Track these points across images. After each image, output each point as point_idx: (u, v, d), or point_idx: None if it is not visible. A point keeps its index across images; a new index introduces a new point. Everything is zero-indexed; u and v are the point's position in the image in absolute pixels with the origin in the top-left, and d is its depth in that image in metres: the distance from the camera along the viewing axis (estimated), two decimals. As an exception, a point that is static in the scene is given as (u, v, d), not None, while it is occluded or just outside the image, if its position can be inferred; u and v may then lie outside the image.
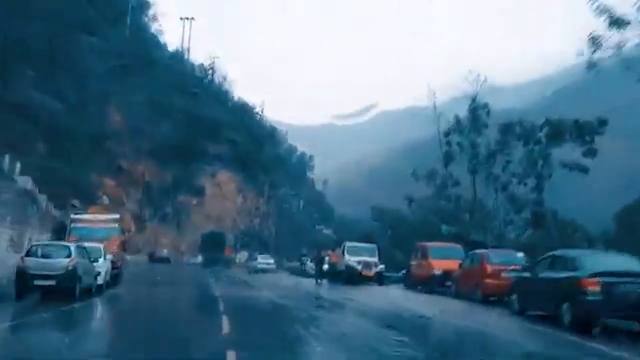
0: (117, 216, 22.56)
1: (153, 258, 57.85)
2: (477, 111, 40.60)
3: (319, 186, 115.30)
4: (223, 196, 75.22)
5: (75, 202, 55.49)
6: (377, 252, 24.82)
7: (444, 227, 28.66)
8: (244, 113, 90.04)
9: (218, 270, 41.05)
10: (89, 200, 56.85)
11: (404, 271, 23.74)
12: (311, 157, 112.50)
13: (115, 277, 20.16)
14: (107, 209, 44.48)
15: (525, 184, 39.04)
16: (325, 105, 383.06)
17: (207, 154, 73.56)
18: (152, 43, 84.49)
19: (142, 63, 76.27)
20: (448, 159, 40.81)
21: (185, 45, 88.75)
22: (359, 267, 23.39)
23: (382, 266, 23.93)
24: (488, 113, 40.16)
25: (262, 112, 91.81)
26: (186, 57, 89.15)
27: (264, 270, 42.63)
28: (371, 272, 23.32)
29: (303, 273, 39.55)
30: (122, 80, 72.26)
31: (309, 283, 26.60)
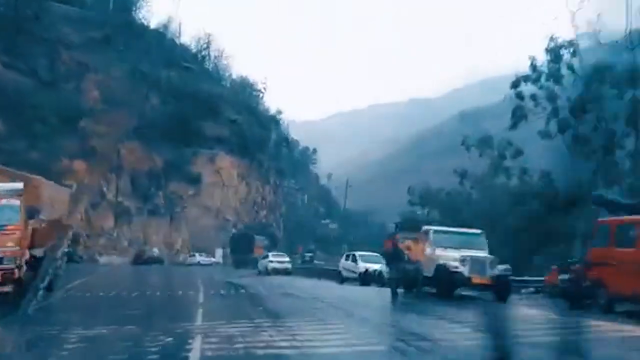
0: (18, 186, 12.68)
1: (140, 259, 48.60)
2: (558, 53, 30.67)
3: (322, 181, 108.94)
4: (223, 184, 65.71)
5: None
6: (486, 243, 15.10)
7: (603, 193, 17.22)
8: (244, 91, 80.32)
9: (231, 272, 32.11)
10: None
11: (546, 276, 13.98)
12: (314, 150, 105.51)
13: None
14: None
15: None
16: (325, 99, 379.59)
17: (204, 136, 64.06)
18: (137, 12, 74.94)
19: (125, 34, 66.79)
20: (519, 115, 31.04)
21: (177, 15, 79.04)
22: (464, 270, 13.66)
23: (505, 266, 14.14)
24: (574, 53, 30.19)
25: (264, 89, 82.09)
26: (177, 29, 79.57)
27: (276, 271, 33.32)
28: (487, 278, 13.63)
29: (321, 274, 30.87)
30: (102, 52, 62.91)
31: (372, 295, 17.06)
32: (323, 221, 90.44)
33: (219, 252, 62.36)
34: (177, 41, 79.72)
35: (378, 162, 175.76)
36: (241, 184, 68.77)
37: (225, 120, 68.61)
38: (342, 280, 23.66)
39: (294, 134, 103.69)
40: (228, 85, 79.19)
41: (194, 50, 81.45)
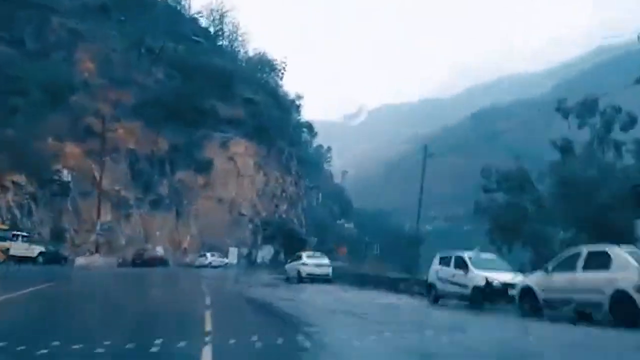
0: None
1: (140, 260, 41.11)
2: None
3: (337, 179, 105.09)
4: (238, 173, 57.87)
5: (19, 177, 38.79)
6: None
7: None
8: (261, 69, 72.27)
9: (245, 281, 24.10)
10: (39, 174, 40.22)
11: None
12: (329, 148, 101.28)
13: None
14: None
15: None
16: (337, 98, 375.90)
17: (216, 116, 56.31)
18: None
19: (126, 2, 59.34)
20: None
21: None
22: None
23: None
24: None
25: (284, 69, 73.99)
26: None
27: (312, 278, 25.45)
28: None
29: (376, 284, 23.01)
30: (99, 21, 55.47)
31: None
32: (338, 221, 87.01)
33: (233, 251, 54.70)
34: (185, 13, 72.19)
35: (390, 162, 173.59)
36: (258, 173, 60.86)
37: (240, 99, 60.80)
38: (436, 297, 15.44)
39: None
40: (244, 63, 71.14)
41: (204, 24, 73.86)
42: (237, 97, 60.27)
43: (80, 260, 29.10)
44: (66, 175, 40.38)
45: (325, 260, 26.59)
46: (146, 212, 47.32)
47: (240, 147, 58.48)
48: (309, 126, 75.71)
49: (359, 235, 78.11)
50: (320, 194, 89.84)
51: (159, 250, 45.99)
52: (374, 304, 15.15)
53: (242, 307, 12.96)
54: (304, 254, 26.98)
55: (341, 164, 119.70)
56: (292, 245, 64.06)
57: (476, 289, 13.29)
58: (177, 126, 51.86)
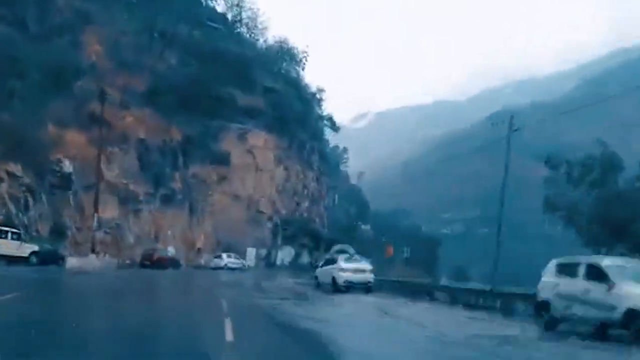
0: None
1: (148, 261, 37.40)
2: None
3: (352, 181, 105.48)
4: (257, 168, 53.82)
5: (14, 167, 35.08)
6: None
7: None
8: (282, 58, 68.05)
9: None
10: (37, 164, 36.50)
11: None
12: (345, 149, 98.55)
13: None
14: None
15: None
16: (352, 100, 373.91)
17: (234, 106, 52.33)
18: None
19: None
20: None
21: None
22: None
23: None
24: None
25: (306, 59, 69.64)
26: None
27: (350, 286, 21.23)
28: None
29: (428, 294, 18.85)
30: (107, 3, 51.83)
31: None
32: (355, 223, 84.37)
33: (251, 252, 50.77)
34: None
35: (406, 164, 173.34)
36: (278, 167, 56.78)
37: (260, 88, 56.76)
38: (552, 321, 10.87)
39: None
40: (263, 51, 66.96)
41: (221, 10, 69.83)
42: (257, 85, 56.23)
43: (72, 262, 24.94)
44: (67, 166, 36.63)
45: (367, 265, 22.25)
46: (157, 209, 43.46)
47: (260, 139, 54.41)
48: (331, 120, 71.46)
49: (376, 237, 75.76)
50: (336, 195, 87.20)
51: (170, 251, 42.14)
52: (479, 337, 10.44)
53: (280, 344, 8.63)
54: (341, 257, 22.63)
55: (357, 166, 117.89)
56: (317, 246, 59.98)
57: (632, 312, 8.83)
58: (191, 115, 47.97)
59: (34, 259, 28.72)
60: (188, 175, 47.03)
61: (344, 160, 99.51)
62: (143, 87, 46.11)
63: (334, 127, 71.44)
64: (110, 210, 39.35)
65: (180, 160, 46.31)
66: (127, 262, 39.61)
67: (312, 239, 60.50)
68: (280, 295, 18.93)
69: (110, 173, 39.61)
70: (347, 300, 18.18)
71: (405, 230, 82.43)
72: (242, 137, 52.88)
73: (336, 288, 21.50)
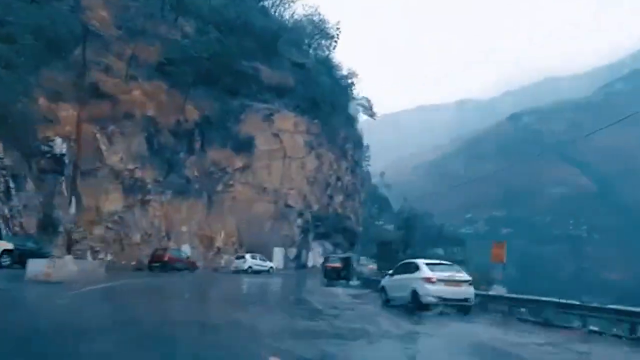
0: None
1: (158, 262, 31.59)
2: None
3: (374, 179, 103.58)
4: (285, 155, 47.40)
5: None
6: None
7: None
8: (310, 34, 61.37)
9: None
10: (24, 145, 30.60)
11: None
12: (367, 147, 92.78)
13: None
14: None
15: None
16: (374, 100, 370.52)
17: (258, 82, 46.04)
18: None
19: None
20: None
21: None
22: None
23: None
24: None
25: (337, 36, 62.82)
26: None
27: (438, 303, 14.55)
28: None
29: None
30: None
31: None
32: (377, 222, 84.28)
33: (278, 252, 44.58)
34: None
35: (428, 164, 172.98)
36: (309, 155, 50.28)
37: (288, 63, 50.26)
38: None
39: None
40: (290, 24, 60.35)
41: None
42: (285, 60, 49.77)
43: (35, 266, 18.12)
44: (60, 146, 30.60)
45: (463, 274, 15.55)
46: (168, 200, 37.30)
47: (288, 121, 47.96)
48: (368, 104, 64.52)
49: (395, 236, 70.68)
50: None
51: (185, 251, 36.01)
52: None
53: None
54: (423, 262, 15.93)
55: (378, 165, 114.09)
56: (352, 246, 53.47)
57: None
58: (209, 92, 41.79)
59: (7, 260, 22.83)
60: (205, 161, 40.80)
61: (366, 159, 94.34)
62: (153, 58, 39.96)
63: (370, 113, 64.58)
64: (112, 201, 33.31)
65: (197, 143, 40.08)
66: (133, 263, 33.64)
67: (346, 238, 54.07)
68: (341, 316, 12.31)
69: (113, 156, 33.53)
70: (457, 331, 11.50)
71: (428, 230, 79.82)
72: (267, 118, 46.48)
73: (418, 306, 14.88)
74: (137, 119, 35.47)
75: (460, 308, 15.07)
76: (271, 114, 46.73)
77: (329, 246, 50.66)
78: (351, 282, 30.31)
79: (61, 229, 30.72)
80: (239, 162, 43.81)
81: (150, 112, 36.42)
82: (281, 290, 23.93)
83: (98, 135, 32.89)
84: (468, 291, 15.12)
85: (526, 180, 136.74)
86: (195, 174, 39.36)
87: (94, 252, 32.03)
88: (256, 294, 19.59)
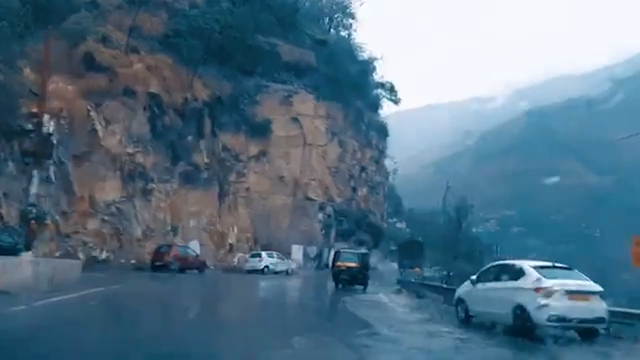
0: None
1: (161, 261, 27.52)
2: None
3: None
4: (305, 141, 42.96)
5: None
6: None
7: None
8: (330, 12, 56.73)
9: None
10: (5, 123, 26.40)
11: None
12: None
13: None
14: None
15: None
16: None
17: (276, 60, 41.67)
18: None
19: None
20: None
21: None
22: None
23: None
24: None
25: (356, 16, 58.00)
26: None
27: (562, 327, 9.86)
28: None
29: None
30: None
31: None
32: (390, 220, 78.84)
33: (297, 250, 40.25)
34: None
35: (437, 163, 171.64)
36: (331, 142, 45.79)
37: (308, 40, 45.71)
38: None
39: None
40: (306, 3, 55.73)
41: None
42: (304, 36, 45.26)
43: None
44: (48, 124, 26.30)
45: (592, 284, 10.92)
46: (174, 190, 33.04)
47: (308, 104, 43.48)
48: (392, 89, 59.71)
49: (411, 235, 67.11)
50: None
51: (193, 248, 31.73)
52: None
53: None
54: (530, 265, 11.37)
55: (389, 162, 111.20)
56: (376, 244, 49.15)
57: None
58: (220, 69, 37.50)
59: (-28, 258, 18.56)
60: (216, 146, 36.49)
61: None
62: (158, 29, 35.69)
63: (395, 99, 59.81)
64: (108, 190, 29.07)
65: (206, 125, 35.72)
66: (133, 262, 29.41)
67: (371, 235, 49.58)
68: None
69: (110, 138, 29.26)
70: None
71: (440, 228, 76.19)
72: (286, 100, 42.05)
73: (526, 329, 10.37)
74: (139, 95, 31.15)
75: (586, 332, 10.56)
76: (289, 96, 42.29)
77: (352, 245, 46.23)
78: (395, 289, 25.69)
79: (48, 221, 26.57)
80: (253, 149, 39.46)
81: (154, 89, 32.09)
82: (315, 299, 19.55)
83: (93, 113, 28.62)
84: (599, 308, 10.56)
85: (538, 179, 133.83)
86: (205, 160, 35.01)
87: (88, 249, 27.83)
88: (288, 307, 15.25)
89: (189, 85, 34.91)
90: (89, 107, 28.61)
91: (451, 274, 33.94)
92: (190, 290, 19.15)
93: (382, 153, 55.59)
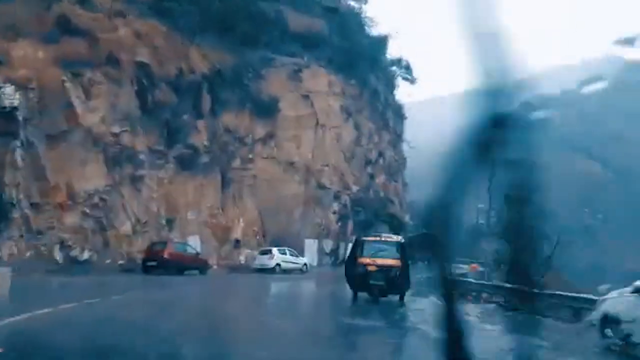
0: None
1: (155, 260, 23.24)
2: None
3: None
4: (317, 122, 38.46)
5: None
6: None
7: None
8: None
9: None
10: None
11: None
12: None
13: None
14: None
15: None
16: None
17: (284, 30, 37.13)
18: None
19: None
20: None
21: None
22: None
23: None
24: None
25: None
26: None
27: None
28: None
29: None
30: None
31: None
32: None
33: (310, 245, 35.90)
34: None
35: (439, 155, 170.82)
36: (347, 123, 41.25)
37: (320, 9, 41.07)
38: None
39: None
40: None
41: None
42: (314, 4, 40.60)
43: None
44: (12, 96, 21.81)
45: None
46: (170, 178, 28.62)
47: (320, 80, 38.93)
48: (407, 67, 55.01)
49: (415, 228, 63.15)
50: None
51: (192, 244, 27.36)
52: None
53: None
54: None
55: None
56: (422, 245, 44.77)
57: None
58: (221, 40, 32.83)
59: None
60: (217, 127, 31.98)
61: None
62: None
63: (411, 78, 55.07)
64: (90, 177, 24.64)
65: (205, 102, 31.19)
66: (121, 262, 25.06)
67: (391, 227, 45.06)
68: None
69: (90, 115, 24.79)
70: None
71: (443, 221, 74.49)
72: (295, 75, 37.53)
73: None
74: (125, 65, 26.63)
75: None
76: (299, 70, 37.76)
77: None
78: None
79: (16, 214, 22.17)
80: (260, 130, 34.97)
81: (143, 57, 27.55)
82: (353, 306, 15.16)
83: (69, 85, 24.14)
84: None
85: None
86: (205, 143, 30.52)
87: (65, 248, 23.45)
88: (326, 324, 10.90)
89: (184, 56, 30.34)
90: (64, 78, 24.11)
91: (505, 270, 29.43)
92: (185, 301, 14.76)
93: (399, 137, 51.03)
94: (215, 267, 28.88)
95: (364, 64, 43.54)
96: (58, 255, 23.07)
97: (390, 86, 51.40)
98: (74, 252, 23.71)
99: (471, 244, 37.46)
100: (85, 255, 24.06)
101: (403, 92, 55.54)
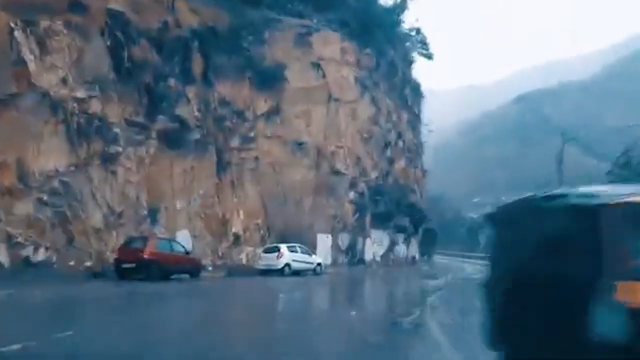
0: None
1: (131, 262, 17.71)
2: None
3: None
4: (330, 95, 33.12)
5: None
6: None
7: None
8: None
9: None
10: None
11: None
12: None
13: None
14: None
15: None
16: None
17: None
18: None
19: None
20: None
21: None
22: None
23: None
24: None
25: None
26: None
27: None
28: None
29: None
30: None
31: None
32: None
33: (323, 240, 30.74)
34: None
35: (434, 148, 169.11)
36: (362, 98, 35.91)
37: (330, -36, 35.63)
38: None
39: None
40: None
41: None
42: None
43: None
44: None
45: None
46: (152, 157, 23.26)
47: (333, 46, 33.57)
48: (423, 42, 49.74)
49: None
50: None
51: (180, 241, 22.09)
52: None
53: None
54: None
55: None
56: (416, 230, 40.26)
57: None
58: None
59: None
60: (211, 97, 26.60)
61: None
62: None
63: (427, 53, 49.75)
64: (48, 155, 19.28)
65: (196, 65, 25.78)
66: (88, 264, 19.78)
67: (411, 219, 40.07)
68: None
69: (48, 74, 19.39)
70: None
71: (441, 214, 77.33)
72: (303, 40, 32.12)
73: None
74: (94, 13, 21.21)
75: None
76: (308, 34, 32.37)
77: (391, 232, 36.87)
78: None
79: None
80: (262, 104, 29.63)
81: (117, 5, 22.09)
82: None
83: (19, 35, 18.74)
84: None
85: (534, 164, 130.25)
86: (196, 114, 25.17)
87: (15, 246, 18.13)
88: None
89: (169, 5, 24.94)
90: (12, 25, 18.71)
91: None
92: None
93: (417, 117, 45.76)
94: (210, 268, 23.67)
95: (380, 32, 38.25)
96: (3, 256, 17.78)
97: (407, 61, 46.10)
98: (26, 251, 18.42)
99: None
100: (41, 255, 18.76)
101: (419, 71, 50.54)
